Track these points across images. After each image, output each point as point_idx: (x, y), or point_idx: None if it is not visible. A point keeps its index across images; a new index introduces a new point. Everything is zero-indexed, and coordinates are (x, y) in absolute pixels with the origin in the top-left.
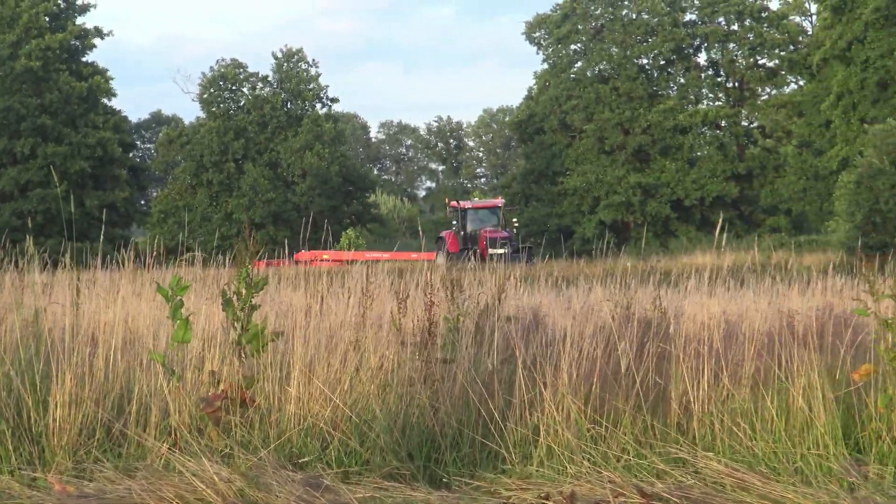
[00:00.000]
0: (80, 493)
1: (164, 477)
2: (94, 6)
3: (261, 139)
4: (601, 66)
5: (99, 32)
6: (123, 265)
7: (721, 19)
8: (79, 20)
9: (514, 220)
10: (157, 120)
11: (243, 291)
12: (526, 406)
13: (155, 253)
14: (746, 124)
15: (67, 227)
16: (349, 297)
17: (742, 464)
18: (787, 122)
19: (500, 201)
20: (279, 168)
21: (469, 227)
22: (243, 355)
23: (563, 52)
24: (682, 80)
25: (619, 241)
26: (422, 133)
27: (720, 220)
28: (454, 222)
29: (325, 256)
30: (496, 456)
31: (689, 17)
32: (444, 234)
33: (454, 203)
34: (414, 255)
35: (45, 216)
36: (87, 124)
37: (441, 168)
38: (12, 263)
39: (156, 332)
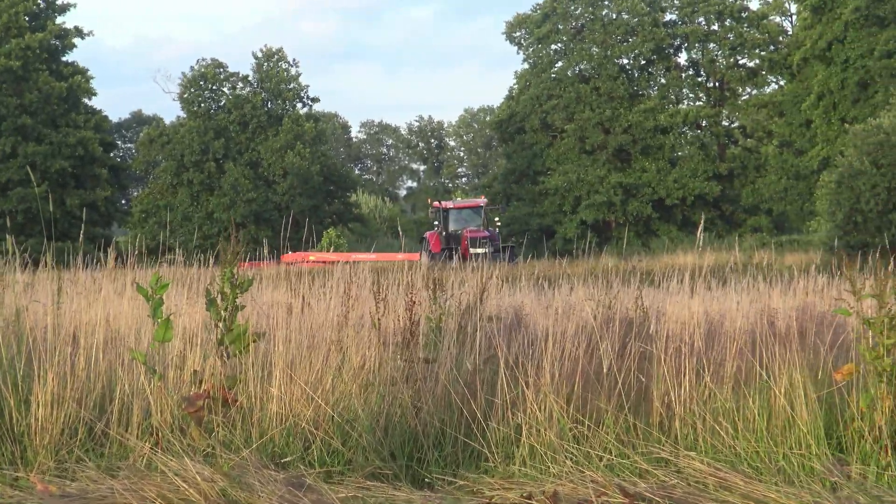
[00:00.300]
0: (62, 492)
1: (147, 476)
2: (74, 6)
3: (241, 139)
4: (582, 66)
5: (79, 32)
6: (105, 264)
7: (701, 19)
8: (59, 20)
9: (497, 219)
10: (138, 119)
11: (227, 292)
12: (508, 406)
13: (136, 252)
14: (727, 124)
15: (48, 227)
16: (331, 298)
17: (724, 463)
18: (768, 121)
19: (482, 201)
20: (260, 168)
21: (452, 227)
22: (226, 355)
23: (544, 51)
24: (663, 80)
25: (600, 241)
26: (403, 133)
27: (702, 220)
28: (436, 222)
29: (311, 258)
30: (479, 455)
31: (669, 16)
32: (427, 234)
33: (436, 203)
34: (400, 256)
35: (26, 215)
36: (67, 124)
37: (422, 168)
38: None
39: (137, 332)
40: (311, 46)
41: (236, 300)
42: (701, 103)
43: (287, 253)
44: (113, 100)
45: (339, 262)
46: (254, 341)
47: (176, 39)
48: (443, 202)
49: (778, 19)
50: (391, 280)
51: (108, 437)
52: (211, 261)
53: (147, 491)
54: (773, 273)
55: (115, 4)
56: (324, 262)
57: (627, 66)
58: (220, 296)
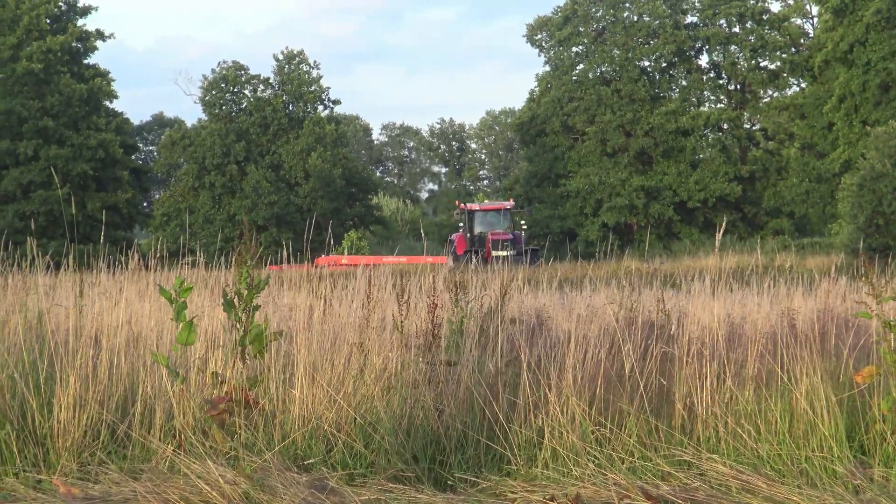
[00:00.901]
0: (85, 495)
1: (169, 479)
2: (96, 8)
3: (263, 141)
4: (603, 69)
5: (100, 35)
6: (127, 267)
7: (722, 21)
8: (80, 22)
9: (522, 221)
10: (160, 122)
11: (244, 292)
12: (530, 408)
13: (158, 255)
14: (748, 127)
15: (70, 229)
16: (353, 300)
17: (747, 466)
18: (790, 124)
19: (508, 203)
20: (281, 170)
21: (477, 230)
22: (246, 356)
23: (565, 54)
24: (684, 83)
25: (622, 244)
26: (424, 135)
27: (722, 223)
28: (460, 224)
29: (343, 261)
30: (501, 458)
31: (690, 19)
32: (454, 236)
33: (462, 205)
34: (429, 259)
35: (48, 218)
36: (88, 126)
37: (444, 170)
38: (15, 265)
39: (159, 334)
40: (331, 47)
41: (253, 300)
42: (722, 106)
43: (318, 256)
44: (135, 102)
45: (369, 265)
46: (274, 340)
47: (196, 40)
48: (469, 204)
49: (799, 21)
50: (413, 282)
51: (131, 440)
52: (232, 263)
53: (170, 493)
54: (793, 275)
55: (136, 5)
56: (355, 264)
57: (649, 69)
58: (237, 297)
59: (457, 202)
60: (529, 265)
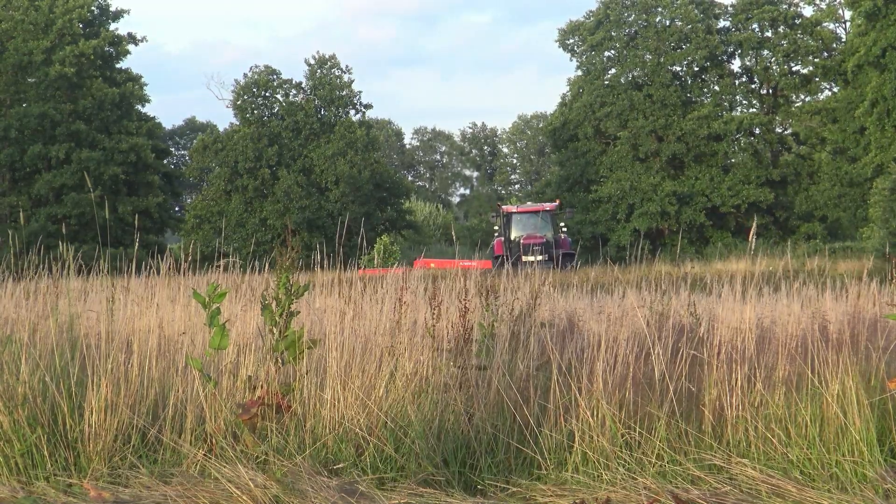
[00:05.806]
0: (115, 499)
1: (200, 483)
2: (128, 12)
3: (294, 145)
4: (635, 73)
5: (133, 39)
6: (158, 271)
7: (755, 26)
8: (112, 26)
9: (562, 224)
10: (192, 126)
11: (282, 298)
12: (561, 412)
13: (190, 259)
14: (780, 131)
15: (101, 233)
16: (383, 304)
17: (777, 470)
18: (822, 128)
19: (549, 205)
20: (313, 174)
21: (515, 233)
22: (280, 362)
23: (597, 58)
24: (716, 87)
25: (653, 248)
26: (456, 139)
27: (753, 227)
28: (495, 228)
29: (431, 265)
30: (531, 462)
31: (722, 24)
32: (496, 240)
33: (502, 207)
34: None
35: (80, 221)
36: (120, 130)
37: (475, 175)
38: (47, 269)
39: (191, 338)
40: (367, 51)
41: (291, 306)
42: (754, 110)
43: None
44: (168, 106)
45: (450, 267)
46: (309, 348)
47: (232, 44)
48: (507, 206)
49: (832, 26)
50: (444, 286)
51: (162, 444)
52: (266, 267)
53: (200, 497)
54: (824, 279)
55: (171, 10)
56: (441, 267)
57: (681, 74)
58: (274, 302)
59: (498, 204)
60: (561, 270)
